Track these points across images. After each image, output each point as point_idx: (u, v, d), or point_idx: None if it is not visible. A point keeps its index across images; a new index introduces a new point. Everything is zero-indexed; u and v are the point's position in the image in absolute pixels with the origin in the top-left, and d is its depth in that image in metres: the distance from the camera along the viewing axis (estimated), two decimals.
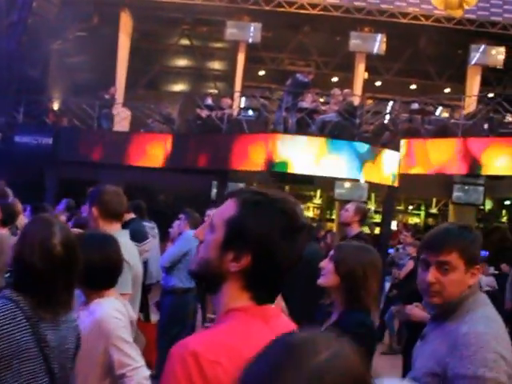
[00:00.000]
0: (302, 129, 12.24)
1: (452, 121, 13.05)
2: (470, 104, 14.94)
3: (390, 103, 16.64)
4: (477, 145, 12.20)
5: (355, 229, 5.16)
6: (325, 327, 2.47)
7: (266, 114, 12.52)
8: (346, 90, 12.89)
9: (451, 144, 12.33)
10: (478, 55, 16.83)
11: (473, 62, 16.88)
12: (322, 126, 11.79)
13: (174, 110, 15.15)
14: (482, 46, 16.82)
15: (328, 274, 2.49)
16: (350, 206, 5.27)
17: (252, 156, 12.54)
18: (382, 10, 16.34)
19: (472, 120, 12.52)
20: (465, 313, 1.97)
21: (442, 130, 12.72)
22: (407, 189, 14.48)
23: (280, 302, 2.54)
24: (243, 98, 16.64)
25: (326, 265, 2.51)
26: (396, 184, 12.73)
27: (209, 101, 14.01)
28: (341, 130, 11.56)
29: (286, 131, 12.04)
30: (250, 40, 17.00)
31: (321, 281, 2.53)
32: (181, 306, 6.15)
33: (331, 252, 2.52)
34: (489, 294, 8.80)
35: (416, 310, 3.78)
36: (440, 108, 15.43)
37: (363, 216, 5.21)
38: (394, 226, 17.98)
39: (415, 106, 13.55)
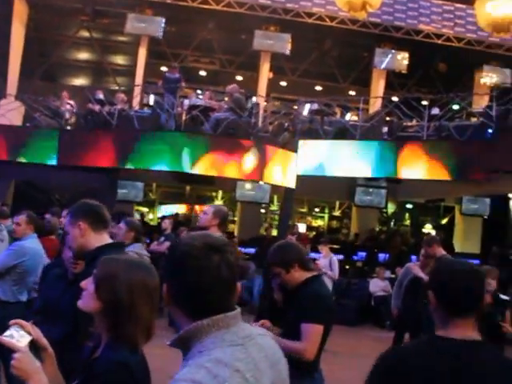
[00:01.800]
0: (196, 127, 11.69)
1: (351, 123, 12.86)
2: (375, 107, 14.93)
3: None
4: (376, 148, 12.07)
5: (215, 233, 4.64)
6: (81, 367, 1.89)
7: (159, 111, 11.83)
8: (230, 86, 12.40)
9: (350, 146, 12.13)
10: (382, 59, 16.89)
11: (377, 66, 16.93)
12: (217, 124, 11.28)
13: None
14: (387, 50, 16.90)
15: (87, 296, 1.91)
16: (209, 209, 4.75)
17: (147, 154, 11.86)
18: (287, 9, 16.06)
19: (370, 122, 12.39)
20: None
21: (341, 132, 12.53)
22: (306, 191, 14.24)
23: None
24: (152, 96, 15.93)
25: (87, 284, 1.93)
26: (293, 186, 12.39)
27: (100, 95, 13.19)
28: (235, 128, 11.10)
29: (178, 129, 11.47)
30: (153, 34, 16.31)
31: (80, 304, 1.94)
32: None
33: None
34: (383, 298, 8.55)
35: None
36: (349, 114, 15.31)
37: (223, 219, 4.69)
38: (302, 228, 17.84)
39: (315, 106, 13.29)
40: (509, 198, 16.86)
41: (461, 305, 1.98)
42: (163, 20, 16.18)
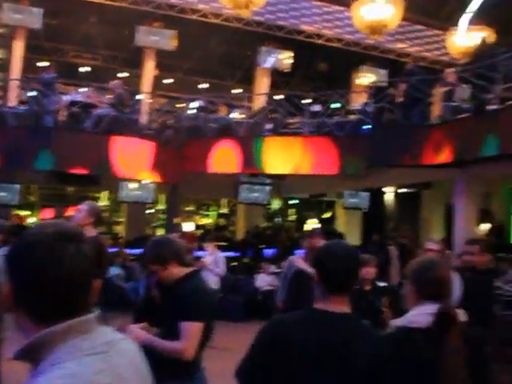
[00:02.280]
0: (76, 124, 11.25)
1: (235, 120, 12.95)
2: (259, 105, 15.12)
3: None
4: (259, 144, 12.22)
5: (91, 231, 4.48)
6: None
7: (36, 108, 11.24)
8: (114, 82, 12.10)
9: (235, 143, 12.21)
10: (266, 58, 17.15)
11: (262, 65, 17.17)
12: (98, 121, 10.92)
13: None
14: (271, 50, 17.18)
15: None
16: (83, 207, 4.58)
17: (24, 153, 11.22)
18: (172, 4, 15.86)
19: (254, 119, 12.54)
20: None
21: (226, 129, 12.58)
22: (193, 189, 14.19)
23: None
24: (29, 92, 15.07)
25: None
26: (178, 184, 12.28)
27: None
28: (117, 125, 10.81)
29: (57, 126, 10.99)
30: (31, 26, 15.42)
31: None
32: None
33: None
34: (269, 293, 8.57)
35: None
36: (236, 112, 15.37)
37: (97, 217, 4.54)
38: (190, 227, 17.74)
39: (199, 103, 13.25)
40: (384, 192, 17.76)
41: (338, 282, 2.19)
42: (41, 11, 15.35)
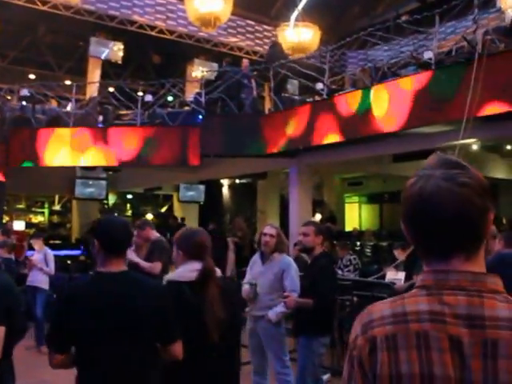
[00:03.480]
0: None
1: (64, 110, 12.33)
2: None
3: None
4: (93, 134, 11.73)
5: None
6: None
7: None
8: None
9: (63, 134, 11.61)
10: (98, 48, 16.58)
11: (93, 55, 16.57)
12: None
13: None
14: (103, 40, 16.64)
15: None
16: None
17: None
18: None
19: (85, 109, 12.06)
20: None
21: (55, 120, 11.95)
22: (22, 185, 13.35)
23: None
24: None
25: None
26: (3, 179, 11.44)
27: None
28: None
29: None
30: None
31: None
32: None
33: None
34: None
35: None
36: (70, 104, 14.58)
37: None
38: (20, 226, 16.67)
39: (25, 92, 12.43)
40: (221, 184, 18.02)
41: (116, 247, 2.70)
42: None
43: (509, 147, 14.09)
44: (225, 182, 18.34)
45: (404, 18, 12.06)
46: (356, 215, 20.44)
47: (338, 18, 17.62)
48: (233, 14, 15.21)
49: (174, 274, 3.15)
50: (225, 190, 18.71)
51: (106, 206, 17.60)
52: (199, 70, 17.11)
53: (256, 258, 5.43)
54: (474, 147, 11.80)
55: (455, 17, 9.31)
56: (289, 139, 10.42)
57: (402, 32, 10.80)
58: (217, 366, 3.02)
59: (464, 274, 1.20)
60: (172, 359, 2.72)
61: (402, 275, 7.62)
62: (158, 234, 7.28)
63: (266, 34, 18.51)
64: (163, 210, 19.35)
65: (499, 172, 14.39)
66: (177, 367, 2.79)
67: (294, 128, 10.32)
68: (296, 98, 12.91)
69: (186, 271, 3.05)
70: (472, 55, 7.65)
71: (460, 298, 1.17)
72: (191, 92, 14.49)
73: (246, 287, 5.22)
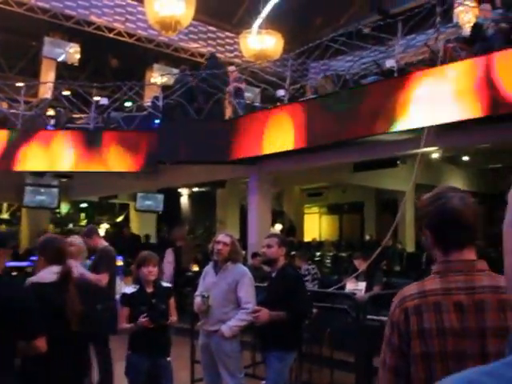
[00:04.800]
0: None
1: (12, 111, 11.70)
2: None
3: None
4: (41, 138, 11.16)
5: None
6: None
7: None
8: None
9: (10, 136, 11.02)
10: (52, 49, 15.98)
11: (47, 56, 15.96)
12: None
13: None
14: (58, 40, 16.04)
15: None
16: None
17: None
18: None
19: (34, 110, 11.49)
20: None
21: (2, 121, 11.34)
22: None
23: None
24: None
25: None
26: None
27: None
28: None
29: None
30: None
31: None
32: None
33: None
34: None
35: None
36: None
37: None
38: None
39: None
40: (179, 193, 17.55)
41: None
42: None
43: (465, 158, 14.17)
44: (184, 191, 17.87)
45: (366, 30, 11.94)
46: (316, 226, 20.28)
47: (301, 28, 17.47)
48: (194, 19, 14.90)
49: (36, 277, 3.53)
50: (184, 200, 18.23)
51: (58, 215, 16.91)
52: (158, 76, 16.61)
53: (209, 268, 5.04)
54: (435, 156, 11.75)
55: (416, 29, 9.23)
56: (249, 146, 10.10)
57: (365, 43, 10.65)
58: (75, 353, 3.53)
59: (462, 261, 1.81)
60: (36, 353, 3.02)
61: (362, 285, 7.42)
62: (105, 243, 6.88)
63: (227, 40, 18.21)
64: (119, 219, 18.73)
65: (456, 182, 14.35)
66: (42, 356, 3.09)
67: (253, 134, 10.01)
68: (257, 104, 12.64)
69: (47, 273, 3.48)
70: (434, 62, 7.68)
71: (460, 277, 1.78)
72: (150, 97, 14.05)
73: (197, 300, 4.83)
